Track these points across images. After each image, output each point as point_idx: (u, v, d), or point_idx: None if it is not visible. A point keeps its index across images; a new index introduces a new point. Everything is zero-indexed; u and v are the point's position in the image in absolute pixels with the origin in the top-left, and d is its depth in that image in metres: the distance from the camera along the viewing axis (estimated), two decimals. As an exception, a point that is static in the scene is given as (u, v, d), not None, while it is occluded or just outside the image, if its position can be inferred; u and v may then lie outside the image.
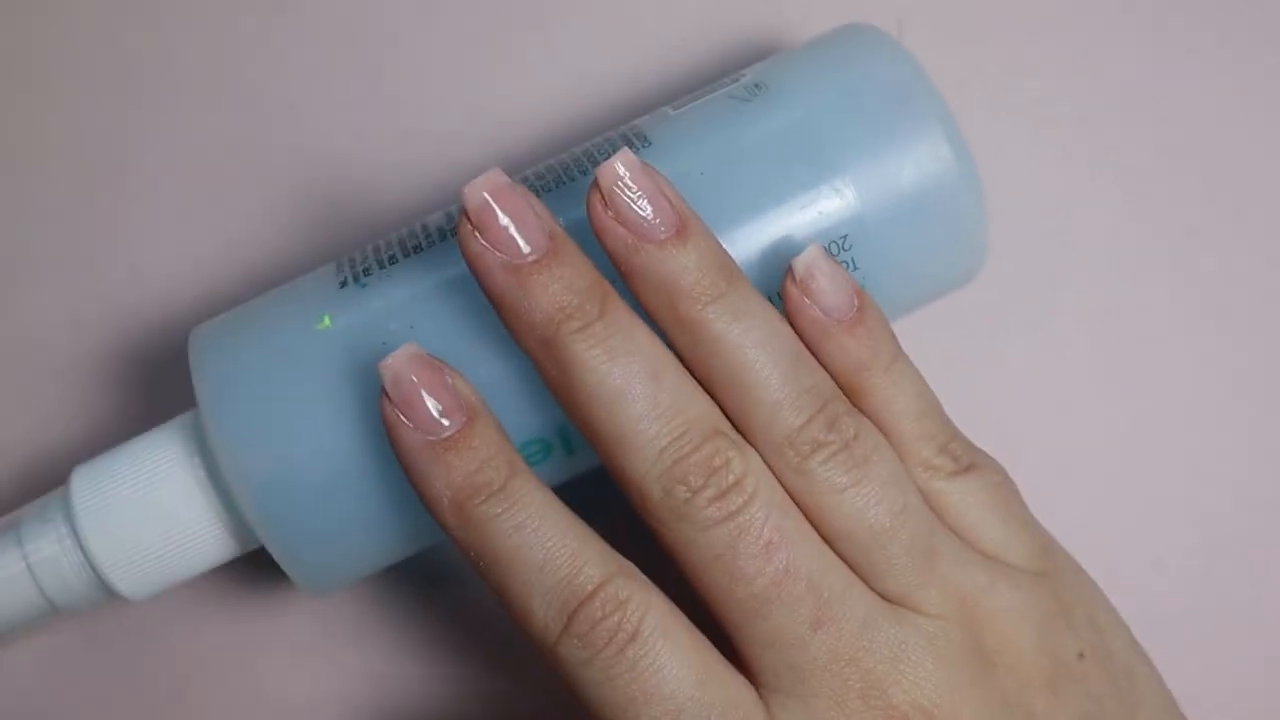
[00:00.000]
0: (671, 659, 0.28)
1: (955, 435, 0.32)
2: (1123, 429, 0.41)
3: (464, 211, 0.29)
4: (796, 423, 0.30)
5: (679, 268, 0.29)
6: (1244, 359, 0.41)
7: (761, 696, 0.29)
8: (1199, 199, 0.41)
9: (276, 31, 0.41)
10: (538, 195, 0.32)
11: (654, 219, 0.29)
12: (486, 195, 0.29)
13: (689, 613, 0.29)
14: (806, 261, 0.31)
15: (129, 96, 0.41)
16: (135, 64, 0.41)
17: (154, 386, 0.39)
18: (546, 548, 0.28)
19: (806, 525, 0.30)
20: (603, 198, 0.29)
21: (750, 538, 0.29)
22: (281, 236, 0.40)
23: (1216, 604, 0.40)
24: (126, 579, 0.33)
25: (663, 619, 0.28)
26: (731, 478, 0.29)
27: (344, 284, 0.33)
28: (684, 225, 0.30)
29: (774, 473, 0.30)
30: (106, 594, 0.34)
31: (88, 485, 0.33)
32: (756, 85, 0.34)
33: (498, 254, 0.29)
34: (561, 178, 0.33)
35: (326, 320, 0.32)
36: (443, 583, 0.39)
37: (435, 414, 0.29)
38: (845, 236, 0.32)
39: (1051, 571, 0.32)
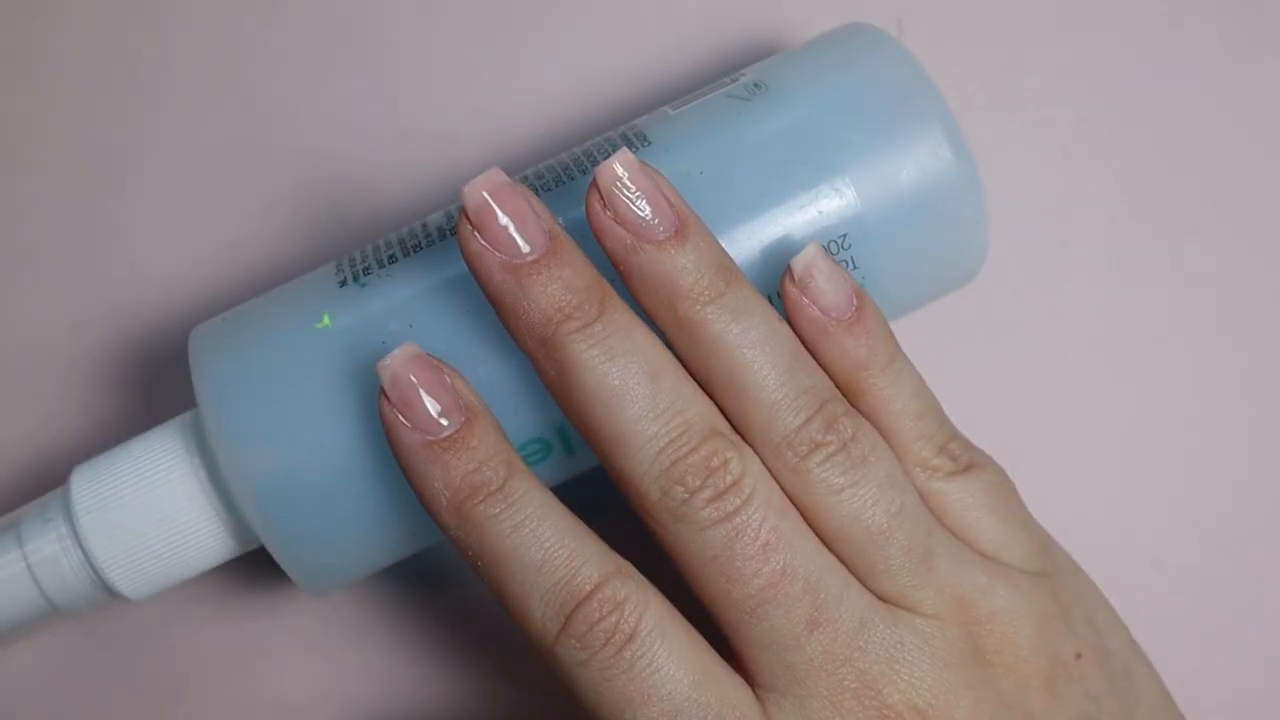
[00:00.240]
0: (669, 659, 0.28)
1: (954, 435, 0.32)
2: (1123, 429, 0.41)
3: (463, 211, 0.29)
4: (794, 423, 0.30)
5: (678, 268, 0.29)
6: (1244, 359, 0.41)
7: (758, 696, 0.29)
8: (1199, 199, 0.41)
9: (276, 31, 0.41)
10: (537, 194, 0.32)
11: (653, 219, 0.29)
12: (486, 195, 0.29)
13: (687, 612, 0.29)
14: (805, 260, 0.31)
15: (129, 96, 0.41)
16: (135, 64, 0.41)
17: (154, 386, 0.39)
18: (544, 548, 0.28)
19: (804, 526, 0.30)
20: (601, 198, 0.29)
21: (747, 539, 0.29)
22: (281, 236, 0.40)
23: (1216, 604, 0.40)
24: (126, 578, 0.33)
25: (660, 619, 0.28)
26: (729, 478, 0.29)
27: (343, 283, 0.33)
28: (683, 225, 0.30)
29: (772, 473, 0.30)
30: (106, 594, 0.34)
31: (88, 485, 0.33)
32: (756, 85, 0.34)
33: (497, 254, 0.29)
34: (561, 177, 0.33)
35: (326, 320, 0.32)
36: (442, 583, 0.39)
37: (434, 414, 0.29)
38: (845, 236, 0.32)
39: (1050, 571, 0.32)
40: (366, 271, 0.32)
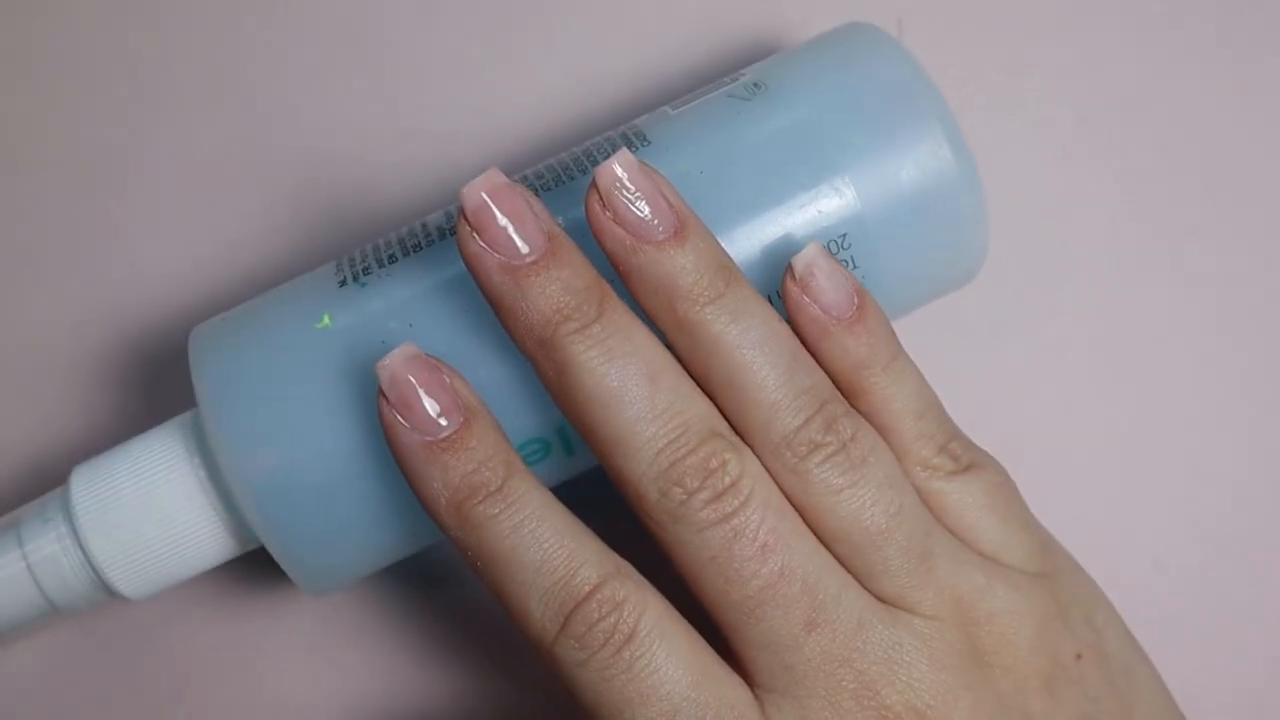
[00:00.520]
0: (667, 660, 0.28)
1: (955, 434, 0.32)
2: (1123, 429, 0.41)
3: (462, 212, 0.29)
4: (794, 423, 0.30)
5: (677, 268, 0.29)
6: (1244, 359, 0.41)
7: (757, 697, 0.29)
8: (1199, 199, 0.41)
9: (276, 31, 0.41)
10: (537, 194, 0.32)
11: (652, 219, 0.29)
12: (485, 195, 0.29)
13: (687, 611, 0.29)
14: (806, 259, 0.31)
15: (129, 96, 0.41)
16: (135, 64, 0.41)
17: (154, 386, 0.39)
18: (543, 548, 0.28)
19: (803, 527, 0.30)
20: (601, 198, 0.29)
21: (746, 540, 0.29)
22: (281, 236, 0.40)
23: (1216, 604, 0.40)
24: (126, 578, 0.33)
25: (659, 619, 0.29)
26: (728, 479, 0.29)
27: (343, 283, 0.33)
28: (682, 226, 0.30)
29: (771, 474, 0.30)
30: (106, 594, 0.34)
31: (87, 485, 0.33)
32: (756, 85, 0.34)
33: (496, 255, 0.29)
34: (561, 177, 0.33)
35: (326, 319, 0.32)
36: (442, 582, 0.39)
37: (433, 414, 0.29)
38: (845, 236, 0.32)
39: (1050, 572, 0.32)
40: (366, 271, 0.32)
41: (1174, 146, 0.42)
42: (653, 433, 0.29)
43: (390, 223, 0.40)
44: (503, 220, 0.29)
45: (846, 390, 0.31)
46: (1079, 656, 0.31)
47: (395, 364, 0.29)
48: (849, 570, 0.30)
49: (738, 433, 0.30)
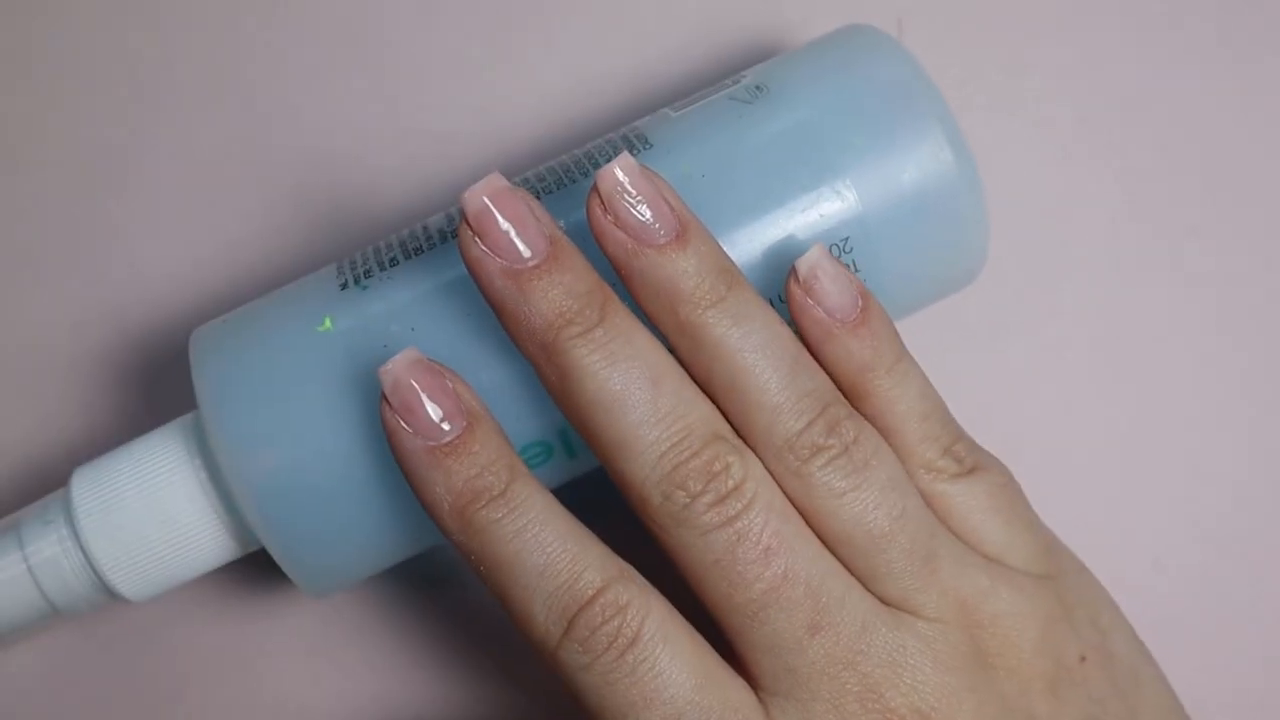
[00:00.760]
0: (671, 663, 0.28)
1: (959, 437, 0.32)
2: (1123, 429, 0.41)
3: (463, 216, 0.29)
4: (796, 426, 0.30)
5: (679, 272, 0.29)
6: (1244, 359, 0.41)
7: (760, 700, 0.29)
8: (1199, 199, 0.41)
9: (276, 31, 0.41)
10: (538, 197, 0.32)
11: (653, 223, 0.29)
12: (486, 200, 0.29)
13: (691, 614, 0.29)
14: (810, 262, 0.31)
15: (129, 96, 0.41)
16: (135, 64, 0.41)
17: (154, 386, 0.39)
18: (547, 552, 0.28)
19: (806, 530, 0.30)
20: (602, 202, 0.29)
21: (749, 543, 0.29)
22: (281, 237, 0.40)
23: (1216, 604, 0.40)
24: (127, 580, 0.33)
25: (662, 623, 0.29)
26: (731, 483, 0.29)
27: (345, 286, 0.33)
28: (684, 229, 0.30)
29: (774, 477, 0.30)
30: (107, 595, 0.34)
31: (88, 486, 0.33)
32: (757, 87, 0.34)
33: (498, 259, 0.29)
34: (562, 179, 0.33)
35: (327, 322, 0.32)
36: (443, 584, 0.39)
37: (435, 419, 0.29)
38: (846, 239, 0.32)
39: (1055, 574, 0.32)
40: (368, 274, 0.32)
41: (1174, 146, 0.42)
42: (655, 436, 0.29)
43: (390, 223, 0.40)
44: (504, 224, 0.29)
45: (850, 393, 0.31)
46: (1084, 658, 0.31)
47: (398, 368, 0.29)
48: (852, 573, 0.30)
49: (740, 436, 0.30)
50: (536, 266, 0.29)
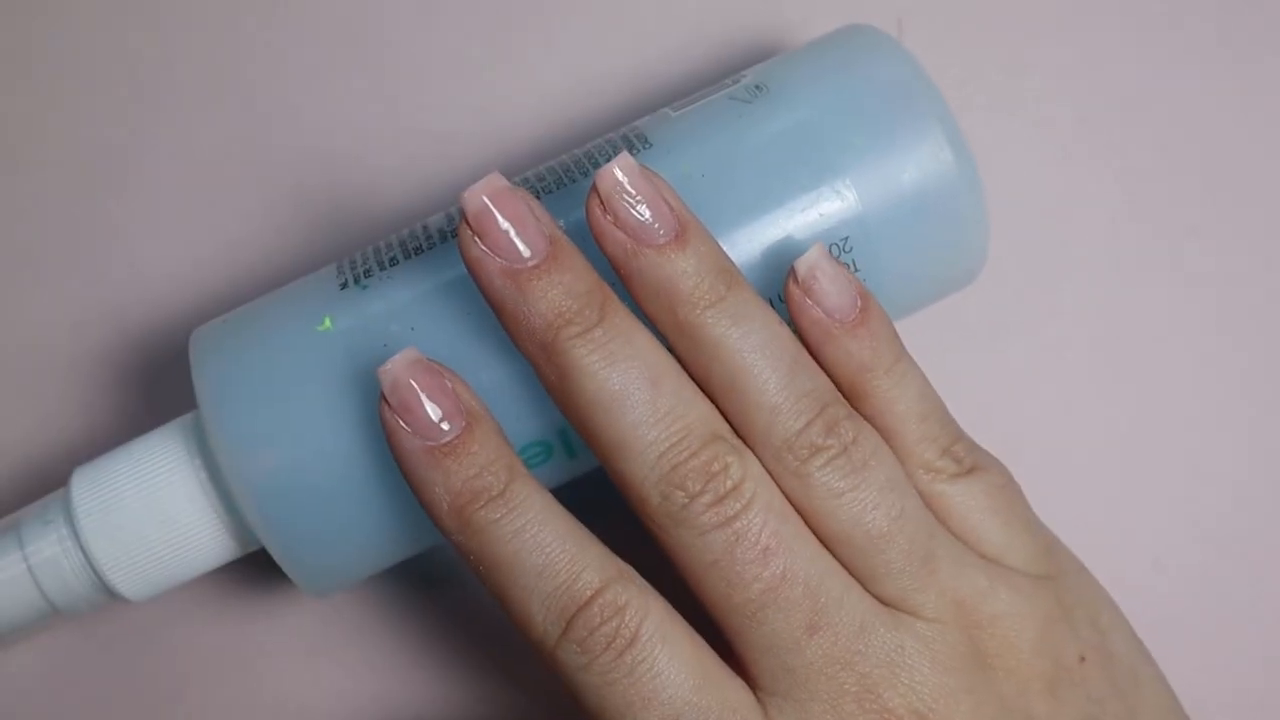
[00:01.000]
0: (669, 663, 0.28)
1: (958, 437, 0.32)
2: (1123, 429, 0.41)
3: (463, 216, 0.29)
4: (795, 426, 0.30)
5: (678, 272, 0.29)
6: (1244, 359, 0.41)
7: (759, 699, 0.29)
8: (1199, 199, 0.41)
9: (276, 31, 0.41)
10: (538, 197, 0.32)
11: (653, 223, 0.29)
12: (486, 199, 0.29)
13: (690, 614, 0.29)
14: (809, 262, 0.31)
15: (129, 96, 0.41)
16: (135, 64, 0.41)
17: (154, 386, 0.39)
18: (545, 553, 0.28)
19: (805, 530, 0.30)
20: (601, 202, 0.29)
21: (747, 543, 0.29)
22: (281, 237, 0.40)
23: (1216, 604, 0.40)
24: (127, 580, 0.33)
25: (661, 623, 0.29)
26: (729, 483, 0.29)
27: (344, 285, 0.33)
28: (683, 229, 0.30)
29: (773, 477, 0.30)
30: (107, 595, 0.34)
31: (88, 486, 0.33)
32: (757, 87, 0.34)
33: (497, 259, 0.29)
34: (562, 179, 0.33)
35: (327, 322, 0.32)
36: (443, 583, 0.39)
37: (434, 419, 0.29)
38: (846, 238, 0.32)
39: (1054, 574, 0.32)
40: (368, 274, 0.32)
41: (1174, 146, 0.42)
42: (654, 436, 0.29)
43: (390, 223, 0.40)
44: (504, 224, 0.29)
45: (849, 393, 0.31)
46: (1083, 659, 0.31)
47: (397, 368, 0.29)
48: (851, 573, 0.30)
49: (739, 436, 0.30)
50: (536, 266, 0.29)
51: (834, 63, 0.34)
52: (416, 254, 0.32)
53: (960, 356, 0.40)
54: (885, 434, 0.31)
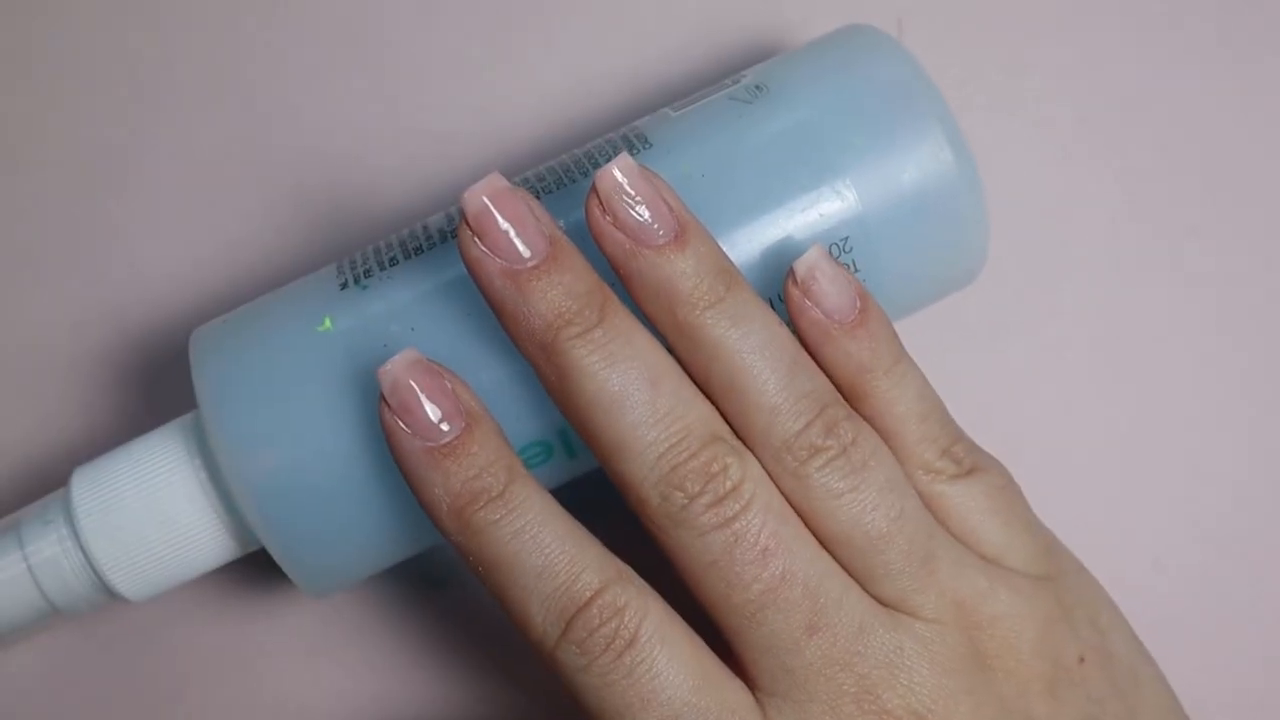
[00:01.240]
0: (669, 664, 0.28)
1: (958, 438, 0.32)
2: (1123, 429, 0.41)
3: (463, 216, 0.29)
4: (794, 427, 0.30)
5: (677, 272, 0.29)
6: (1244, 359, 0.41)
7: (758, 700, 0.29)
8: (1199, 199, 0.41)
9: (276, 31, 0.41)
10: (538, 197, 0.32)
11: (652, 224, 0.29)
12: (486, 200, 0.29)
13: (688, 614, 0.29)
14: (808, 263, 0.31)
15: (129, 96, 0.41)
16: (135, 64, 0.41)
17: (154, 386, 0.39)
18: (545, 554, 0.28)
19: (804, 531, 0.30)
20: (601, 203, 0.29)
21: (746, 544, 0.29)
22: (281, 237, 0.40)
23: (1216, 604, 0.40)
24: (127, 580, 0.33)
25: (660, 624, 0.29)
26: (729, 484, 0.29)
27: (344, 286, 0.33)
28: (683, 230, 0.30)
29: (772, 477, 0.30)
30: (107, 595, 0.34)
31: (88, 486, 0.33)
32: (757, 87, 0.34)
33: (497, 259, 0.29)
34: (562, 179, 0.33)
35: (327, 322, 0.32)
36: (443, 583, 0.39)
37: (434, 420, 0.29)
38: (846, 239, 0.32)
39: (1054, 574, 0.32)
40: (368, 274, 0.32)
41: (1174, 146, 0.42)
42: (654, 437, 0.29)
43: (390, 223, 0.40)
44: (504, 225, 0.29)
45: (849, 394, 0.31)
46: (1082, 659, 0.31)
47: (397, 369, 0.29)
48: (850, 574, 0.30)
49: (739, 437, 0.30)
50: (536, 267, 0.29)
51: (834, 63, 0.34)
52: (416, 254, 0.32)
53: (960, 356, 0.40)
54: (885, 435, 0.31)
